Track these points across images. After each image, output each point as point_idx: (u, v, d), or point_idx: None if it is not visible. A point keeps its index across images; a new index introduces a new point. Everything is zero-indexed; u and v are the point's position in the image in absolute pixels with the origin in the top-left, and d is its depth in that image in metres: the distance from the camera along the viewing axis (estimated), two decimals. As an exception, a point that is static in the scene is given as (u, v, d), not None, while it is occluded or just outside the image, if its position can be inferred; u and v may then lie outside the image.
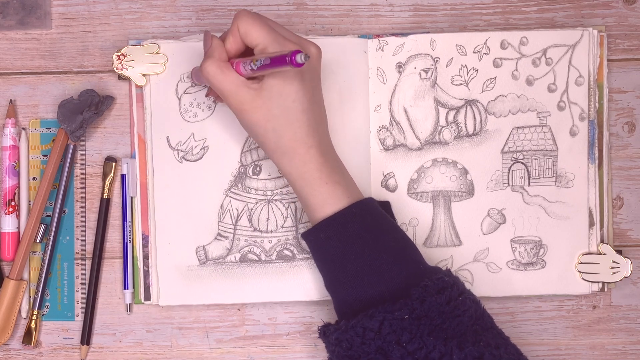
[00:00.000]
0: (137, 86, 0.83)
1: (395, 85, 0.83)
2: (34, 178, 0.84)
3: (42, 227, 0.83)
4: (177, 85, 0.83)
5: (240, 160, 0.83)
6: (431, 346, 0.69)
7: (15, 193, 0.83)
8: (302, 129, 0.73)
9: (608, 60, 0.84)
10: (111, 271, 0.84)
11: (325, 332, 0.74)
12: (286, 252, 0.83)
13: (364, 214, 0.74)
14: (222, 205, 0.83)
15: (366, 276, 0.73)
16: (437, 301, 0.70)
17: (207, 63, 0.73)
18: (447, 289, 0.71)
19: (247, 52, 0.74)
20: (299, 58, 0.66)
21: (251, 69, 0.71)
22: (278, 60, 0.68)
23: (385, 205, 0.81)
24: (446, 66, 0.83)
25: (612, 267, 0.83)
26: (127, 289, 0.83)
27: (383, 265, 0.73)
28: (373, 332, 0.70)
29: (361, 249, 0.73)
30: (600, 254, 0.83)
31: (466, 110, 0.84)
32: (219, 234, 0.83)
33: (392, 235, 0.75)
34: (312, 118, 0.73)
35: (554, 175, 0.84)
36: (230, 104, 0.73)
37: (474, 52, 0.83)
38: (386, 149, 0.84)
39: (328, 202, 0.74)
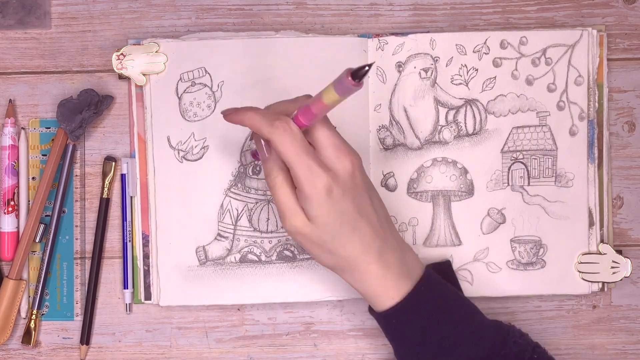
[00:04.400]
0: (136, 86, 0.83)
1: (395, 84, 0.83)
2: (33, 178, 0.84)
3: (42, 226, 0.83)
4: (177, 84, 0.83)
5: (240, 159, 0.83)
6: None
7: (14, 193, 0.83)
8: (357, 248, 0.72)
9: (608, 59, 0.84)
10: (111, 271, 0.84)
11: None
12: (286, 252, 0.83)
13: (432, 291, 0.74)
14: (222, 205, 0.83)
15: (443, 352, 0.73)
16: None
17: (273, 177, 0.70)
18: (524, 352, 0.73)
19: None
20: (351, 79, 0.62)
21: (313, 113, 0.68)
22: (340, 87, 0.64)
23: (447, 265, 0.81)
24: (446, 66, 0.83)
25: (612, 267, 0.83)
26: (127, 288, 0.83)
27: (458, 337, 0.73)
28: None
29: (436, 327, 0.73)
30: (600, 253, 0.83)
31: (466, 110, 0.84)
32: (219, 234, 0.83)
33: (459, 304, 0.75)
34: (365, 232, 0.71)
35: (554, 175, 0.84)
36: (286, 224, 0.71)
37: (473, 51, 0.83)
38: (386, 149, 0.84)
39: (391, 295, 0.73)
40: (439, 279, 0.76)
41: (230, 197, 0.83)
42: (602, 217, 0.84)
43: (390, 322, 0.74)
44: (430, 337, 0.73)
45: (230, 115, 0.72)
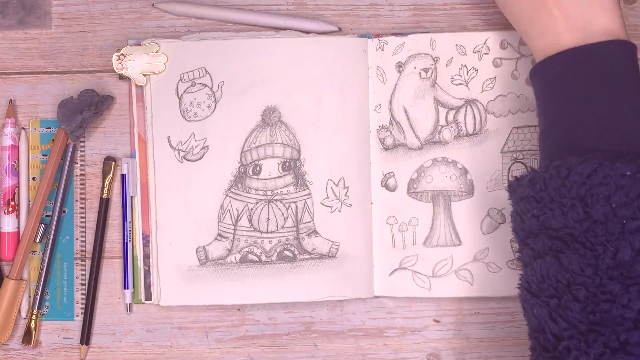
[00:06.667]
0: (137, 86, 0.83)
1: (395, 84, 0.83)
2: (33, 178, 0.84)
3: (42, 226, 0.83)
4: (178, 84, 0.83)
5: (240, 159, 0.83)
6: None
7: (15, 193, 0.83)
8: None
9: (608, 60, 0.84)
10: (111, 271, 0.84)
11: (518, 178, 0.67)
12: (287, 252, 0.83)
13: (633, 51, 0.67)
14: (222, 206, 0.83)
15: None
16: None
17: None
18: None
19: None
20: None
21: None
22: None
23: None
24: (446, 66, 0.83)
25: (612, 267, 0.83)
26: (127, 288, 0.83)
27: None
28: (580, 177, 0.61)
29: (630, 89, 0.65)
30: (600, 253, 0.83)
31: (466, 110, 0.84)
32: (219, 234, 0.83)
33: None
34: None
35: (554, 175, 0.84)
36: None
37: (473, 51, 0.83)
38: (386, 149, 0.84)
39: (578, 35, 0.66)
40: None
41: (231, 197, 0.83)
42: (602, 217, 0.84)
43: (575, 66, 0.66)
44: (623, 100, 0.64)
45: None
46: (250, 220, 0.83)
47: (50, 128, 0.84)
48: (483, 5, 0.85)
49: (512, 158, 0.83)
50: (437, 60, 0.83)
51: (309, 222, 0.83)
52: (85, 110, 0.82)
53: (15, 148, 0.83)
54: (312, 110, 0.83)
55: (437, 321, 0.84)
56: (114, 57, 0.82)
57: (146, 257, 0.83)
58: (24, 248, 0.82)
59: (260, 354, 0.85)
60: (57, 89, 0.85)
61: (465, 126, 0.83)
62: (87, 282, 0.84)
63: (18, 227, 0.83)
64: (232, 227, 0.83)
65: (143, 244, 0.83)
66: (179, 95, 0.83)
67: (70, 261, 0.84)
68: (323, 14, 0.85)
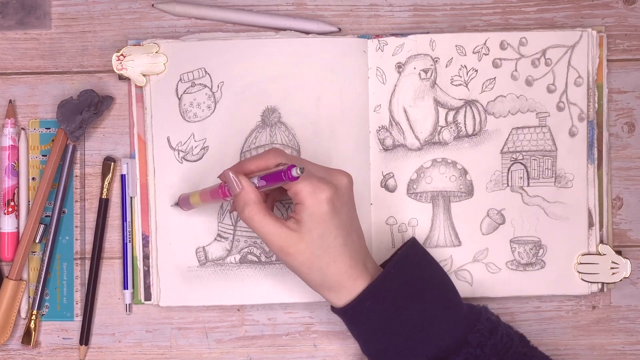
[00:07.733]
0: (136, 86, 0.83)
1: (395, 85, 0.83)
2: (33, 178, 0.84)
3: (42, 227, 0.83)
4: (177, 85, 0.83)
5: (240, 160, 0.83)
6: None
7: (14, 193, 0.83)
8: (345, 263, 0.73)
9: (608, 60, 0.84)
10: (110, 271, 0.84)
11: None
12: (286, 252, 0.83)
13: (404, 270, 0.75)
14: (221, 206, 0.83)
15: (417, 335, 0.73)
16: (492, 342, 0.73)
17: (249, 210, 0.71)
18: (496, 327, 0.74)
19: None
20: (294, 172, 0.68)
21: (256, 185, 0.72)
22: (275, 176, 0.70)
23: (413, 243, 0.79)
24: (446, 66, 0.83)
25: (612, 268, 0.83)
26: (127, 289, 0.83)
27: (432, 319, 0.74)
28: None
29: (407, 309, 0.74)
30: (600, 254, 0.83)
31: (466, 111, 0.84)
32: (218, 235, 0.83)
33: (435, 281, 0.76)
34: (353, 248, 0.74)
35: (553, 175, 0.84)
36: (272, 247, 0.72)
37: (473, 52, 0.83)
38: (386, 149, 0.84)
39: (360, 285, 0.74)
40: (419, 251, 0.77)
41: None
42: (602, 218, 0.84)
43: (361, 309, 0.74)
44: (405, 317, 0.73)
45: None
46: (249, 221, 0.83)
47: (50, 128, 0.84)
48: (483, 6, 0.85)
49: (512, 159, 0.84)
50: (436, 60, 0.83)
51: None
52: (85, 110, 0.82)
53: (15, 148, 0.83)
54: (312, 110, 0.83)
55: (437, 322, 0.84)
56: (114, 57, 0.82)
57: (146, 257, 0.83)
58: (23, 248, 0.82)
59: (260, 354, 0.85)
60: (56, 89, 0.85)
61: (465, 127, 0.83)
62: (86, 282, 0.84)
63: (18, 228, 0.83)
64: (232, 227, 0.83)
65: (143, 245, 0.83)
66: (179, 96, 0.83)
67: (69, 261, 0.84)
68: (323, 15, 0.85)
